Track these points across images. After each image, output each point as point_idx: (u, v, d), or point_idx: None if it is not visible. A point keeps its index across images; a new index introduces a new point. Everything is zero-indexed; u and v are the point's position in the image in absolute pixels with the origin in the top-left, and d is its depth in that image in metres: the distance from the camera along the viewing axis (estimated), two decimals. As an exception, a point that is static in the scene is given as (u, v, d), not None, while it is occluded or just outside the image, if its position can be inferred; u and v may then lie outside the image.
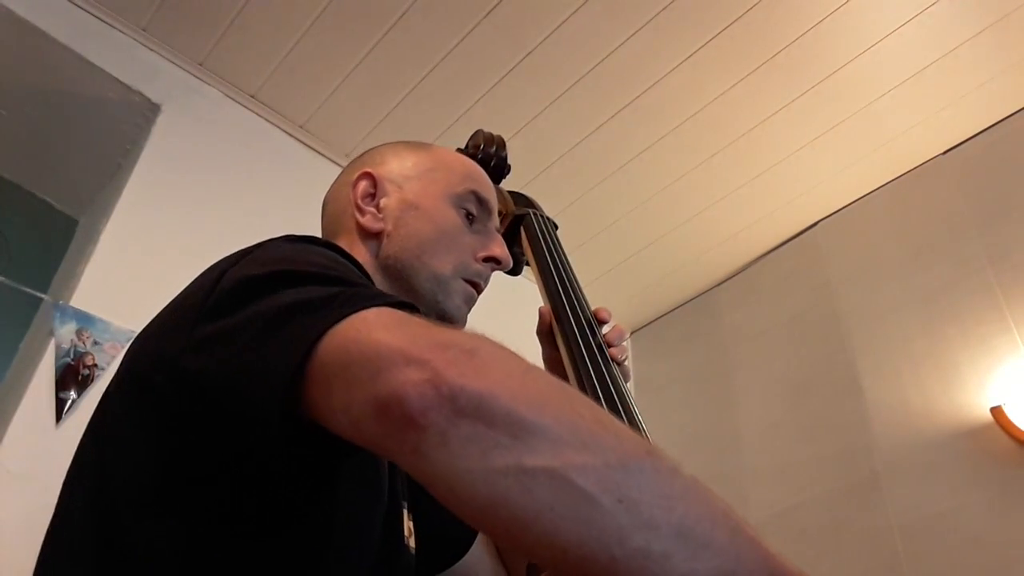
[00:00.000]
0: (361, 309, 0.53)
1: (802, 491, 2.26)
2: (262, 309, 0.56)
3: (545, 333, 0.99)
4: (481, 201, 0.91)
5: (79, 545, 0.62)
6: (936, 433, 2.05)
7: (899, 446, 2.10)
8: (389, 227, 0.87)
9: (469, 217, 0.90)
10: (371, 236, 0.87)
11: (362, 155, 0.96)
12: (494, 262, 0.90)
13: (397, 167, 0.91)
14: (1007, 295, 2.07)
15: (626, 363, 0.95)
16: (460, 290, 0.87)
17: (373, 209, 0.88)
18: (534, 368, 0.50)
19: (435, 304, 0.86)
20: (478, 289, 0.90)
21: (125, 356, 0.71)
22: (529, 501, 0.43)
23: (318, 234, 0.94)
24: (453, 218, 0.89)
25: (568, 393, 0.49)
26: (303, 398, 0.52)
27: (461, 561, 0.95)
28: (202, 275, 0.69)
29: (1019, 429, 1.89)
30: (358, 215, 0.87)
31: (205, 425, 0.60)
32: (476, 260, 0.89)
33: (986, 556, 1.84)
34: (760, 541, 0.45)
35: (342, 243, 0.87)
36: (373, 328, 0.51)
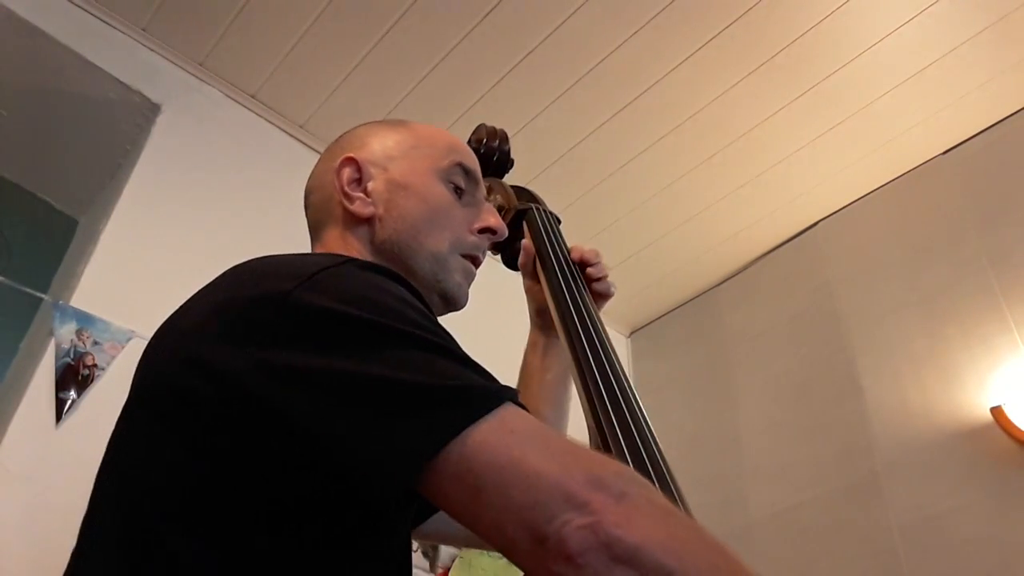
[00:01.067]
0: (495, 408, 0.56)
1: (802, 491, 2.26)
2: (375, 372, 0.56)
3: (527, 268, 1.04)
4: (467, 172, 0.90)
5: (113, 556, 0.61)
6: (936, 433, 2.05)
7: (899, 446, 2.10)
8: (380, 211, 0.84)
9: (458, 191, 0.89)
10: (362, 222, 0.85)
11: (339, 139, 0.93)
12: (489, 232, 0.89)
13: (379, 148, 0.89)
14: (1007, 295, 2.07)
15: None
16: (459, 266, 0.86)
17: (361, 194, 0.85)
18: (674, 510, 0.55)
19: (435, 283, 0.84)
20: (476, 263, 0.89)
21: (148, 358, 0.69)
22: None
23: (304, 226, 0.93)
24: (443, 193, 0.87)
25: (706, 541, 0.53)
26: (422, 483, 0.55)
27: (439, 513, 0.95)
28: (241, 279, 0.67)
29: (1019, 429, 1.89)
30: (346, 202, 0.85)
31: (273, 453, 0.59)
32: (471, 233, 0.88)
33: (986, 556, 1.84)
34: None
35: (332, 233, 0.86)
36: (524, 447, 0.54)
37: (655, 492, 0.56)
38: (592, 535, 0.49)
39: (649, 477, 0.69)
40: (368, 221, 0.84)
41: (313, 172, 0.93)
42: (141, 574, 0.59)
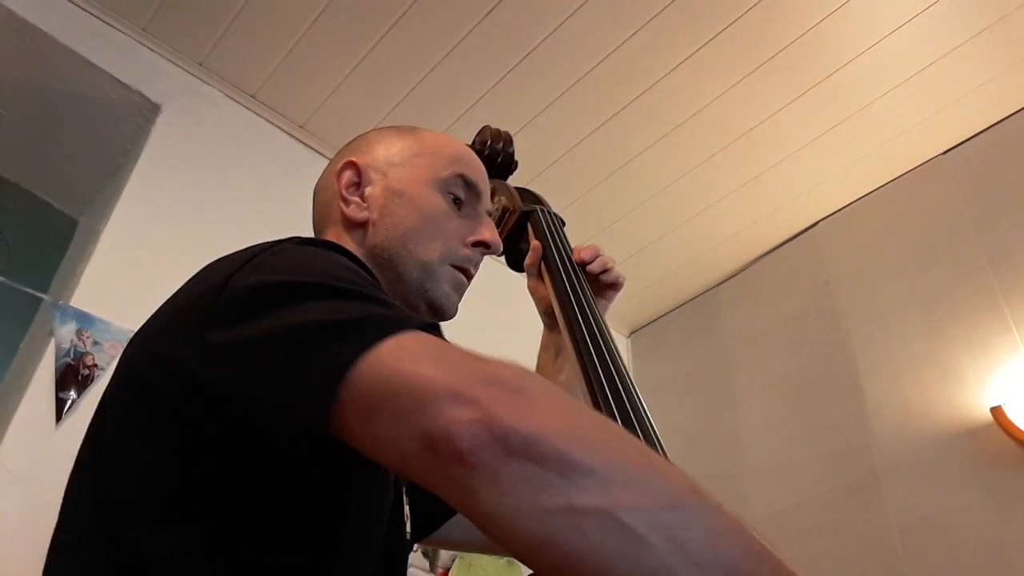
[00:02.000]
0: (395, 333, 0.53)
1: (802, 491, 2.26)
2: (284, 323, 0.56)
3: (534, 268, 1.05)
4: (469, 184, 0.89)
5: (85, 552, 0.62)
6: (936, 433, 2.05)
7: (899, 446, 2.10)
8: (374, 216, 0.85)
9: (457, 202, 0.89)
10: (357, 226, 0.86)
11: (350, 142, 0.95)
12: (483, 246, 0.89)
13: (383, 154, 0.90)
14: (1007, 295, 2.07)
15: None
16: (448, 277, 0.86)
17: (357, 199, 0.86)
18: (579, 405, 0.51)
19: (423, 292, 0.85)
20: (467, 275, 0.88)
21: (122, 358, 0.70)
22: (580, 540, 0.43)
23: (304, 225, 0.94)
24: (439, 203, 0.87)
25: (614, 431, 0.50)
26: (333, 421, 0.52)
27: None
28: (200, 275, 0.68)
29: (1019, 429, 1.89)
30: (343, 205, 0.86)
31: (221, 436, 0.59)
32: (465, 245, 0.87)
33: (986, 556, 1.84)
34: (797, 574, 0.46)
35: (330, 234, 0.87)
36: (416, 359, 0.51)
37: (560, 391, 0.51)
38: (483, 428, 0.45)
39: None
40: (362, 225, 0.86)
41: (322, 173, 0.94)
42: (117, 572, 0.59)
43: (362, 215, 0.86)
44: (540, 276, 1.05)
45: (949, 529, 1.92)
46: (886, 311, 2.31)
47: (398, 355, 0.51)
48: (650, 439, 0.74)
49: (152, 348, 0.65)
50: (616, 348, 0.88)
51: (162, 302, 0.72)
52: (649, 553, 0.43)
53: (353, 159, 0.89)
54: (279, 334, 0.56)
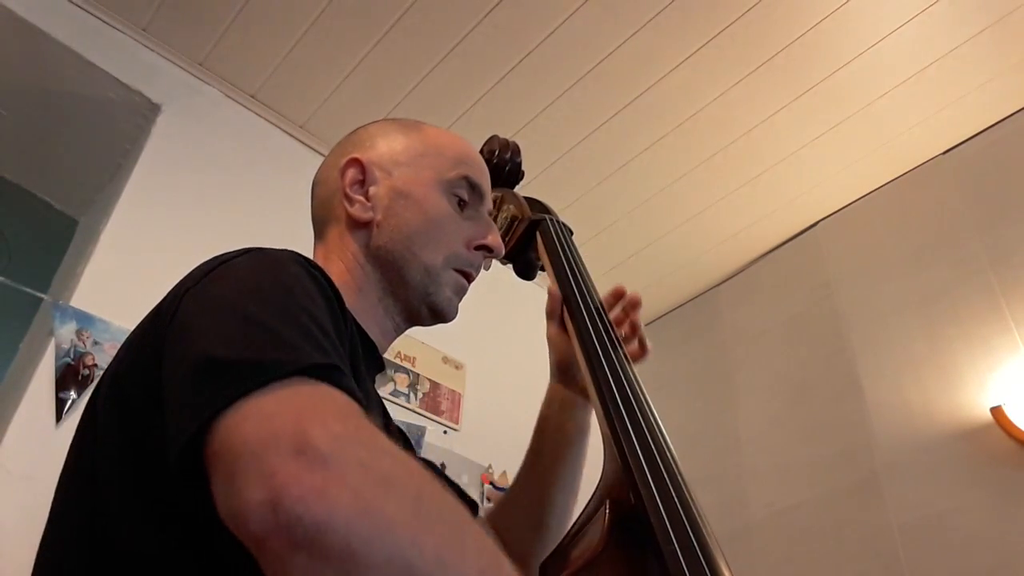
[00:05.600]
0: (270, 383, 0.49)
1: (802, 491, 2.26)
2: (195, 347, 0.55)
3: (555, 314, 0.99)
4: (473, 186, 0.89)
5: (73, 551, 0.61)
6: (936, 433, 2.04)
7: (899, 446, 2.10)
8: (379, 216, 0.85)
9: (461, 204, 0.88)
10: (361, 226, 0.85)
11: (351, 135, 0.93)
12: (486, 250, 0.89)
13: (387, 151, 0.88)
14: (1007, 295, 2.07)
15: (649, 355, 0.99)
16: (451, 281, 0.86)
17: (362, 198, 0.86)
18: (396, 479, 0.46)
19: (425, 296, 0.85)
20: (469, 278, 0.88)
21: (112, 361, 0.70)
22: None
23: (303, 225, 0.93)
24: (444, 206, 0.86)
25: (419, 518, 0.45)
26: (199, 457, 0.50)
27: None
28: (181, 279, 0.68)
29: (1019, 429, 1.89)
30: (347, 204, 0.85)
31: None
32: (468, 248, 0.87)
33: (986, 556, 1.84)
34: None
35: (332, 232, 0.86)
36: (253, 415, 0.47)
37: (384, 456, 0.47)
38: (270, 513, 0.42)
39: (666, 492, 0.68)
40: (366, 225, 0.85)
41: (322, 164, 0.93)
42: (102, 569, 0.59)
43: (367, 215, 0.85)
44: (562, 323, 0.98)
45: (949, 529, 1.92)
46: (886, 311, 2.31)
47: (258, 410, 0.48)
48: (662, 450, 0.73)
49: (131, 355, 0.65)
50: (627, 356, 0.88)
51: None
52: None
53: (357, 156, 0.87)
54: (189, 357, 0.55)
